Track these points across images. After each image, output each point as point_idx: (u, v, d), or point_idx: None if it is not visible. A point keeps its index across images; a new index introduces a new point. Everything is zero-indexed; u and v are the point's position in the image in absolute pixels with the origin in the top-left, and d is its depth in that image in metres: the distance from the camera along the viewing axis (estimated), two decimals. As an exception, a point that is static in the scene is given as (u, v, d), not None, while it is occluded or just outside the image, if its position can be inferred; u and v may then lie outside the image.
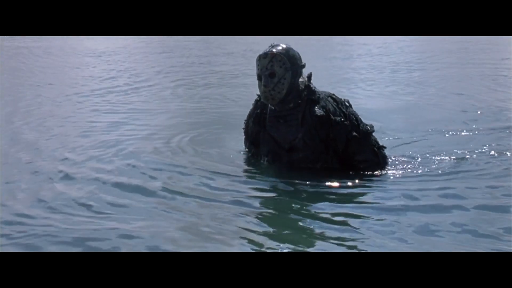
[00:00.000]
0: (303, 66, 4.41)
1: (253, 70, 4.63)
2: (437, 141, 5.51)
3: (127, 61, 12.74)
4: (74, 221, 3.69)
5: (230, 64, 12.15)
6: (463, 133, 5.86)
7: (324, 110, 4.31)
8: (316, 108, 4.31)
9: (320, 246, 3.28)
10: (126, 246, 3.31)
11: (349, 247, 3.27)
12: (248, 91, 8.12)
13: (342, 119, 4.31)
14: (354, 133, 4.32)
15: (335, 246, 3.29)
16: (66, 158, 5.04)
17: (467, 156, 4.86)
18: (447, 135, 5.79)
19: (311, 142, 4.29)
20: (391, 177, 4.30)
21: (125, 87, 9.23)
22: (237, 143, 5.17)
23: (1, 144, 5.54)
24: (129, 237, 3.42)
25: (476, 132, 5.88)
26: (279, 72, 4.29)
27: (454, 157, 4.81)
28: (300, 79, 4.41)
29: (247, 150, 4.78)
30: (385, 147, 4.50)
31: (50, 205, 3.95)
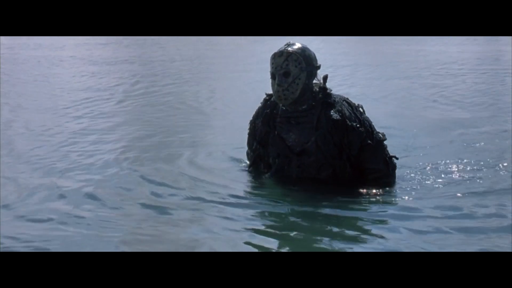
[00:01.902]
0: (318, 67, 4.30)
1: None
2: (439, 150, 5.47)
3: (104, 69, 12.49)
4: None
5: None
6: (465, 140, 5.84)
7: (340, 114, 4.21)
8: (332, 112, 4.21)
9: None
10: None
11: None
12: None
13: (358, 125, 4.22)
14: (369, 141, 4.23)
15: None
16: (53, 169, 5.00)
17: (472, 164, 4.86)
18: (450, 143, 5.76)
19: (324, 146, 4.18)
20: (400, 192, 4.23)
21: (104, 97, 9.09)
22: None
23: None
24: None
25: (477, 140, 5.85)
26: (294, 71, 4.18)
27: (459, 168, 4.79)
28: (315, 81, 4.30)
29: (251, 151, 4.54)
30: (397, 158, 4.40)
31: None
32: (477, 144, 5.69)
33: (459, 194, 4.18)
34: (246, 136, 4.60)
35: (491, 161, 4.99)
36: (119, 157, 5.36)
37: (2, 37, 16.81)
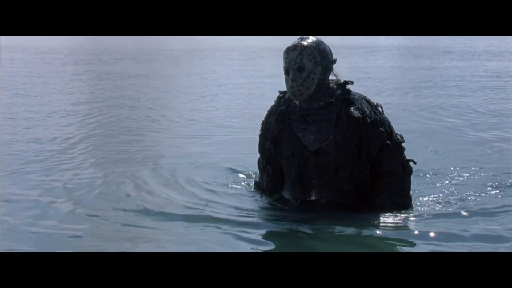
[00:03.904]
0: (334, 61, 4.05)
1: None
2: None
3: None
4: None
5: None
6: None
7: (361, 112, 3.97)
8: (353, 109, 3.97)
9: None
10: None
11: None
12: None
13: (378, 124, 3.99)
14: (388, 142, 3.99)
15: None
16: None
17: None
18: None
19: (344, 144, 3.94)
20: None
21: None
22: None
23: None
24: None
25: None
26: (309, 66, 3.93)
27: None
28: (331, 77, 4.06)
29: (263, 152, 4.27)
30: (414, 162, 4.15)
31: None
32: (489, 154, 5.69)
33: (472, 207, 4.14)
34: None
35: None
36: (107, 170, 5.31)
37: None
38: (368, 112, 4.00)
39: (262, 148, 4.27)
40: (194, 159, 5.68)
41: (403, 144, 4.09)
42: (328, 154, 3.97)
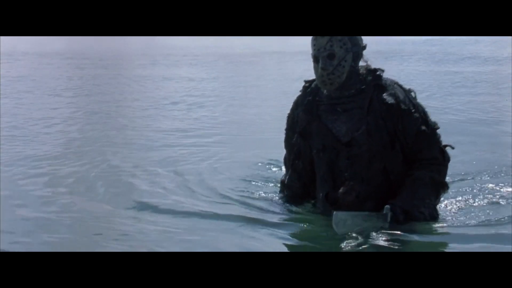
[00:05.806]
0: (364, 47, 3.89)
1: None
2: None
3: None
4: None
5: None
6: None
7: (394, 98, 3.81)
8: (385, 95, 3.80)
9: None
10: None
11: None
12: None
13: (413, 110, 3.82)
14: (424, 127, 3.82)
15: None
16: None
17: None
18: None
19: (376, 133, 3.77)
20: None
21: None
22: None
23: None
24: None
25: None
26: (339, 53, 3.77)
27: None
28: (361, 63, 3.90)
29: (290, 147, 4.08)
30: (452, 147, 3.97)
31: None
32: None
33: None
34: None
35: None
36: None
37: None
38: (401, 97, 3.83)
39: (289, 143, 4.08)
40: (219, 157, 5.69)
41: (437, 131, 3.92)
42: (361, 145, 3.79)
